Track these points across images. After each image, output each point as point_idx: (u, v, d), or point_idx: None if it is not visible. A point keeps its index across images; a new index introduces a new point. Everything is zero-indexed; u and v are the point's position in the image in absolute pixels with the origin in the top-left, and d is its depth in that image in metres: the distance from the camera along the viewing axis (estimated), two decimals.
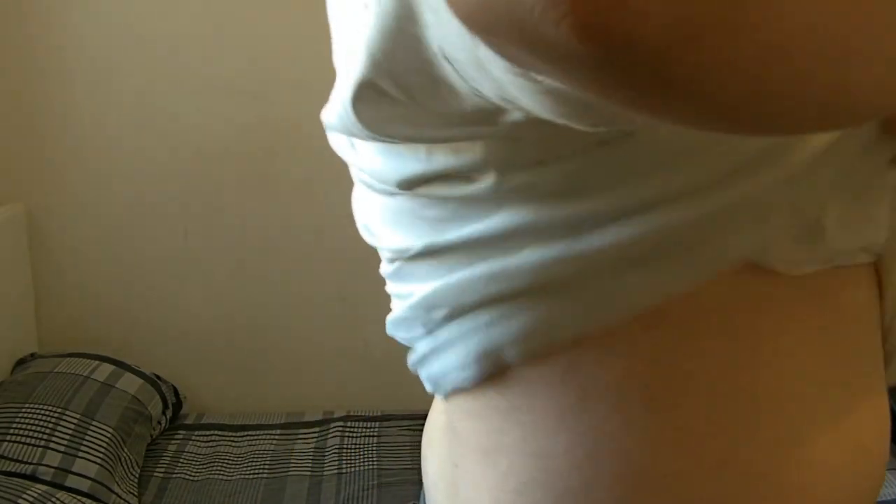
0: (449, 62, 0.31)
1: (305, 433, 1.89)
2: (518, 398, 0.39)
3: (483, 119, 0.33)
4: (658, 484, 0.37)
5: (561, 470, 0.38)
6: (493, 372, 0.39)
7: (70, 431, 1.57)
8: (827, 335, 0.39)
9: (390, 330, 0.46)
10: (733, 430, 0.38)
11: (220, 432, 1.89)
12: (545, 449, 0.39)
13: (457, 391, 0.43)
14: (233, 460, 1.78)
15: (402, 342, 0.46)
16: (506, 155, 0.35)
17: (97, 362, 1.80)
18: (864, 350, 0.41)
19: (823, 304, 0.39)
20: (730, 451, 0.37)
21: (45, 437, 1.53)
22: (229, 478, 1.71)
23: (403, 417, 1.92)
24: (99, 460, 1.55)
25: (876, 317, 0.41)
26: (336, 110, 0.37)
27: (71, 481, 1.48)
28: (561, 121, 0.30)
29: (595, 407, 0.37)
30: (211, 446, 1.83)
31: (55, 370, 1.73)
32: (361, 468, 1.74)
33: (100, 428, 1.61)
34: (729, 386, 0.38)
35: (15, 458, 1.47)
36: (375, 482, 1.67)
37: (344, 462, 1.76)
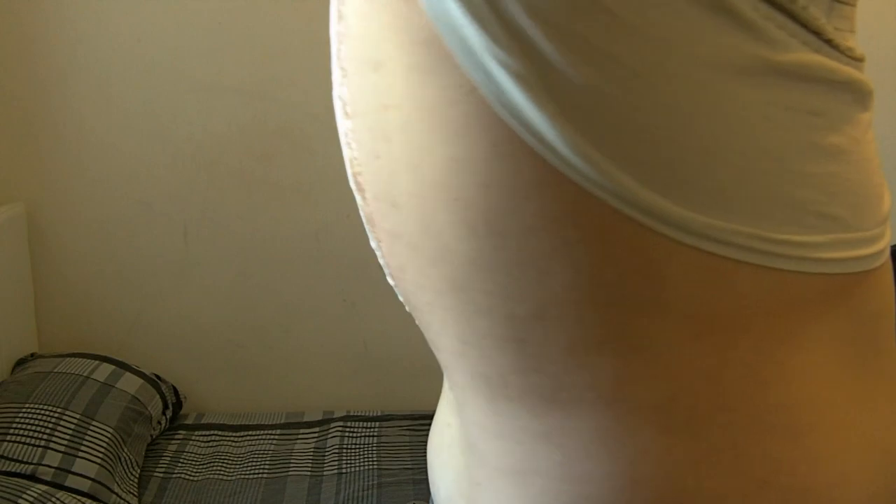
0: None
1: (305, 433, 1.89)
2: (554, 421, 0.38)
3: None
4: None
5: (600, 495, 0.38)
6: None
7: (70, 431, 1.57)
8: (847, 338, 0.39)
9: None
10: (775, 447, 0.37)
11: (220, 432, 1.89)
12: (583, 473, 0.38)
13: (479, 411, 0.42)
14: (233, 460, 1.78)
15: None
16: None
17: (97, 362, 1.80)
18: (882, 350, 0.41)
19: (845, 305, 0.38)
20: (773, 469, 0.37)
21: (45, 437, 1.53)
22: (229, 478, 1.71)
23: (403, 417, 1.92)
24: (99, 460, 1.55)
25: (891, 317, 0.41)
26: None
27: (71, 481, 1.48)
28: None
29: (639, 429, 0.37)
30: (211, 446, 1.83)
31: (55, 370, 1.73)
32: (361, 468, 1.74)
33: (100, 428, 1.61)
34: (767, 399, 0.37)
35: (15, 458, 1.48)
36: (375, 482, 1.67)
37: (344, 462, 1.76)
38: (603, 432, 0.37)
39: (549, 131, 0.33)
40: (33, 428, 1.54)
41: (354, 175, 0.44)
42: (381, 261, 0.46)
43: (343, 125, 0.44)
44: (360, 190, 0.44)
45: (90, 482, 1.50)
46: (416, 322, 0.46)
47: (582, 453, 0.38)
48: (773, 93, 0.35)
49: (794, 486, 0.37)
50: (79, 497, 1.44)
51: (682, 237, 0.34)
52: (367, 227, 0.46)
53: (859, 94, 0.37)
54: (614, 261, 0.35)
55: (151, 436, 1.80)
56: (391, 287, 0.47)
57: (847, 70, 0.36)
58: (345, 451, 1.80)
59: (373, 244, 0.46)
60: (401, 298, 0.47)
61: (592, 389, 0.37)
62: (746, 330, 0.37)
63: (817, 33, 0.35)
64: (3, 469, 1.45)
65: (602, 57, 0.33)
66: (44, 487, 1.40)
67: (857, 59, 0.37)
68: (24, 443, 1.50)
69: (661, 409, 0.37)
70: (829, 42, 0.36)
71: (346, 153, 0.44)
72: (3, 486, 1.36)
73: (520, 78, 0.33)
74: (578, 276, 0.36)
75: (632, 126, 0.33)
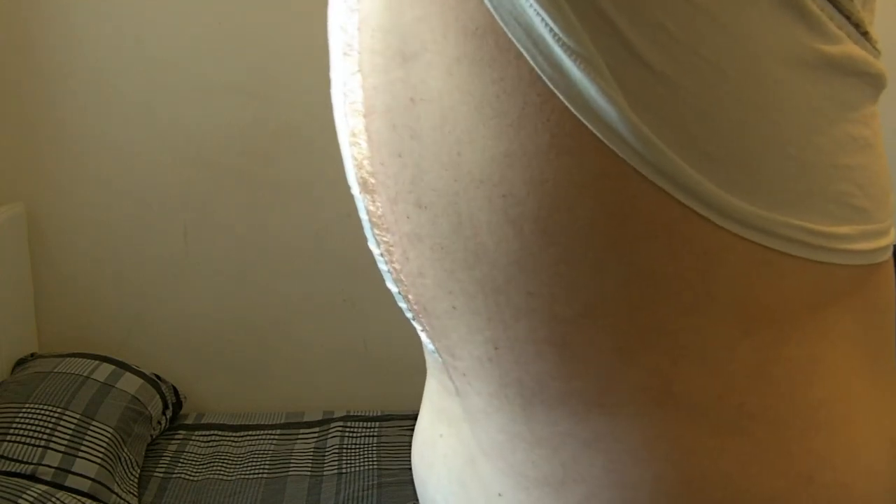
0: None
1: (305, 433, 1.89)
2: (599, 425, 0.37)
3: None
4: None
5: (649, 499, 0.37)
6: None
7: (70, 431, 1.57)
8: (866, 330, 0.39)
9: None
10: (817, 443, 0.37)
11: (220, 432, 1.89)
12: (631, 478, 0.37)
13: (507, 419, 0.40)
14: (233, 460, 1.78)
15: None
16: None
17: (97, 362, 1.80)
18: (888, 341, 0.41)
19: (864, 297, 0.39)
20: (816, 465, 0.36)
21: (45, 437, 1.53)
22: (229, 478, 1.71)
23: (403, 417, 1.92)
24: (99, 460, 1.55)
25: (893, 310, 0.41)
26: None
27: (71, 481, 1.48)
28: None
29: (688, 430, 0.36)
30: (211, 446, 1.83)
31: (55, 370, 1.73)
32: (361, 468, 1.74)
33: (100, 428, 1.61)
34: (811, 394, 0.37)
35: (15, 458, 1.47)
36: (375, 482, 1.67)
37: (344, 462, 1.76)
38: (651, 435, 0.37)
39: (619, 121, 0.32)
40: (33, 428, 1.54)
41: (364, 177, 0.42)
42: (383, 266, 0.44)
43: (350, 123, 0.41)
44: (370, 192, 0.42)
45: (90, 482, 1.50)
46: (426, 331, 0.44)
47: (629, 457, 0.37)
48: (825, 86, 0.35)
49: (835, 482, 0.37)
50: (79, 497, 1.43)
51: (738, 230, 0.34)
52: (371, 231, 0.43)
53: (880, 87, 0.38)
54: (671, 255, 0.34)
55: (151, 436, 1.80)
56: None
57: (878, 63, 0.37)
58: (345, 451, 1.80)
59: (375, 249, 0.44)
60: (403, 305, 0.45)
61: (640, 391, 0.36)
62: (791, 325, 0.37)
63: (857, 25, 0.35)
64: (3, 469, 1.45)
65: (681, 48, 0.32)
66: (44, 487, 1.40)
67: (878, 52, 0.38)
68: (24, 443, 1.50)
69: (710, 408, 0.36)
70: (865, 35, 0.36)
71: (352, 153, 0.42)
72: (3, 486, 1.36)
73: (591, 66, 0.32)
74: (633, 272, 0.35)
75: (703, 118, 0.33)
